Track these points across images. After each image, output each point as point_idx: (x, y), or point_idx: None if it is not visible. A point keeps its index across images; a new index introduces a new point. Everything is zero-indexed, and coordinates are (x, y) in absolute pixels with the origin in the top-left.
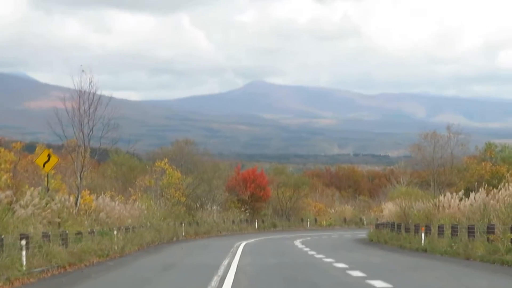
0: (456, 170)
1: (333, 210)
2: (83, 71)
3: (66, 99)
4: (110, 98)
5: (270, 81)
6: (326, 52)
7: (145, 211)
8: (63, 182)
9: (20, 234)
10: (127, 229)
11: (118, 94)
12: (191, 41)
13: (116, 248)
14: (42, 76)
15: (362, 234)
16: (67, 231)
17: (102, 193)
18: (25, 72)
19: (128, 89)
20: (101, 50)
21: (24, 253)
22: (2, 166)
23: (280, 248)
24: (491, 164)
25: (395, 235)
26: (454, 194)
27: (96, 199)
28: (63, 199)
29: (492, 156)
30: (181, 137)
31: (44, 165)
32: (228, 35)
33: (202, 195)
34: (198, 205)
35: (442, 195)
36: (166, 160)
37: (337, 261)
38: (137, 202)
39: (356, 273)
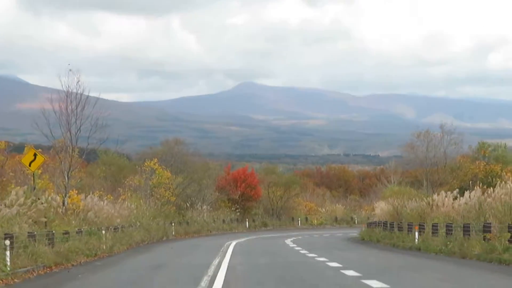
0: (450, 169)
1: (324, 209)
2: (70, 70)
3: (55, 100)
4: (98, 98)
5: (261, 82)
6: (317, 54)
7: (135, 211)
8: (50, 181)
9: (5, 234)
10: (116, 228)
11: (109, 96)
12: (182, 43)
13: (104, 247)
14: (32, 78)
15: (354, 233)
16: (53, 231)
17: (91, 192)
18: (15, 74)
19: (118, 91)
20: (91, 52)
21: (8, 253)
22: None
23: (271, 247)
24: (485, 163)
25: (387, 234)
26: (449, 192)
27: (85, 198)
28: (49, 198)
29: (486, 155)
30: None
31: (30, 164)
32: (219, 37)
33: (192, 195)
34: (188, 205)
35: (436, 193)
36: (155, 160)
37: (330, 261)
38: (126, 202)
39: (351, 273)
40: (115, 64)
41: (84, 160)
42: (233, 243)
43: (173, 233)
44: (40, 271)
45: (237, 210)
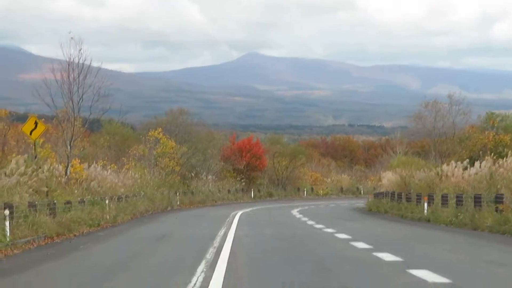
0: (458, 139)
1: (329, 180)
2: (72, 38)
3: (58, 71)
4: (100, 68)
5: (265, 53)
6: (321, 24)
7: (139, 180)
8: (53, 151)
9: (4, 204)
10: (119, 198)
11: (113, 66)
12: (185, 14)
13: (107, 217)
14: (36, 49)
15: (360, 203)
16: (55, 201)
17: (94, 162)
18: (19, 44)
19: (122, 61)
20: (95, 23)
21: (8, 223)
22: None
23: (277, 217)
24: (494, 133)
25: (395, 205)
26: (459, 163)
27: (88, 168)
28: (51, 168)
29: (495, 125)
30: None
31: (31, 133)
32: (222, 7)
33: (197, 165)
34: (193, 175)
35: (445, 164)
36: (160, 129)
37: (338, 232)
38: (130, 171)
39: (361, 245)
40: (119, 34)
41: (87, 130)
42: (239, 213)
43: (178, 203)
44: (41, 242)
45: (242, 180)
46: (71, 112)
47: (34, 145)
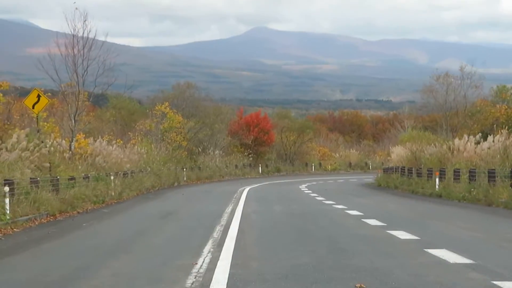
0: (470, 113)
1: (337, 155)
2: (76, 9)
3: (64, 45)
4: (104, 41)
5: (272, 27)
6: None
7: (145, 156)
8: (56, 125)
9: (4, 180)
10: (125, 174)
11: (120, 41)
12: None
13: (113, 194)
14: (43, 23)
15: (369, 178)
16: (58, 177)
17: (100, 137)
18: (27, 18)
19: (130, 36)
20: None
21: (7, 200)
22: None
23: (285, 193)
24: (506, 107)
25: (405, 180)
26: (471, 137)
27: (93, 143)
28: (55, 142)
29: (508, 98)
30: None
31: (33, 106)
32: None
33: (204, 140)
34: (200, 150)
35: (457, 138)
36: (167, 103)
37: (349, 208)
38: (136, 146)
39: (374, 222)
40: (127, 9)
41: (92, 104)
42: (246, 189)
43: (185, 178)
44: (42, 220)
45: (249, 155)
46: (76, 85)
47: (37, 119)
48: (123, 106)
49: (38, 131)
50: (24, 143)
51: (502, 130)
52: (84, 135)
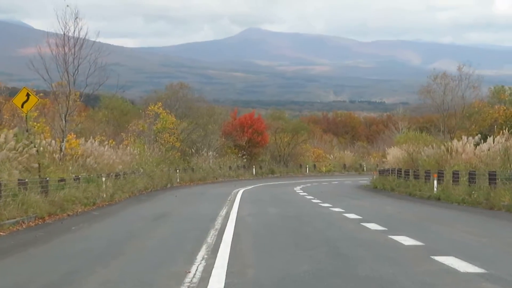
0: (468, 114)
1: (332, 156)
2: (67, 6)
3: (56, 44)
4: (96, 38)
5: (266, 28)
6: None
7: (137, 157)
8: (47, 125)
9: None
10: (117, 175)
11: (114, 41)
12: None
13: (104, 196)
14: (37, 23)
15: (364, 180)
16: (47, 178)
17: (91, 137)
18: (20, 19)
19: (124, 36)
20: None
21: None
22: None
23: (281, 195)
24: (505, 108)
25: (402, 182)
26: (470, 138)
27: (84, 143)
28: (44, 143)
29: (506, 99)
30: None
31: (22, 106)
32: None
33: (197, 140)
34: (193, 151)
35: (455, 139)
36: (160, 104)
37: (347, 211)
38: (129, 147)
39: (373, 226)
40: (121, 9)
41: (83, 103)
42: (241, 191)
43: (178, 180)
44: (30, 223)
45: (243, 157)
46: (67, 84)
47: (26, 118)
48: (115, 106)
49: (27, 131)
50: (12, 143)
51: (503, 131)
52: (75, 136)
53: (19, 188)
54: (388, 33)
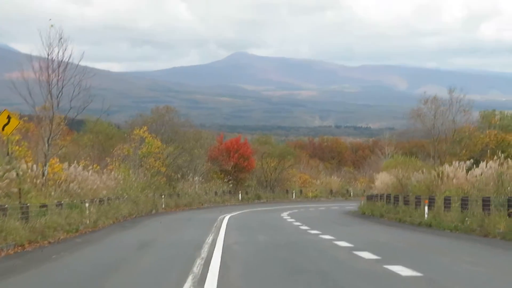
0: (458, 138)
1: (318, 182)
2: (52, 26)
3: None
4: (82, 57)
5: (252, 52)
6: (308, 24)
7: (122, 182)
8: (29, 149)
9: None
10: (101, 201)
11: (100, 65)
12: (173, 12)
13: (87, 222)
14: (24, 47)
15: (351, 206)
16: (28, 204)
17: (75, 162)
18: (6, 42)
19: (110, 61)
20: (81, 21)
21: None
22: None
23: (268, 222)
24: (495, 132)
25: (392, 208)
26: (462, 163)
27: (68, 168)
28: (26, 167)
29: (497, 123)
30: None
31: (3, 128)
32: (210, 7)
33: (183, 165)
34: (179, 176)
35: (446, 164)
36: (145, 128)
37: (337, 239)
38: (113, 172)
39: (367, 255)
40: (106, 33)
41: (67, 127)
42: (227, 217)
43: (163, 205)
44: (9, 251)
45: (229, 182)
46: (50, 106)
47: (7, 142)
48: (100, 130)
49: (7, 154)
50: None
51: (497, 155)
52: (58, 160)
53: None
54: (374, 58)
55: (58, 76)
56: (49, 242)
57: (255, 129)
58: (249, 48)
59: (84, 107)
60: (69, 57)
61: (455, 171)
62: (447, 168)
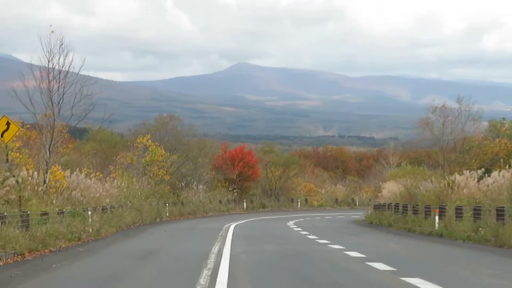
0: (468, 147)
1: (323, 191)
2: (52, 32)
3: (40, 71)
4: (83, 63)
5: (255, 63)
6: (311, 35)
7: (125, 190)
8: (30, 157)
9: None
10: (104, 209)
11: (103, 75)
12: (175, 23)
13: (90, 230)
14: (26, 57)
15: (357, 215)
16: (28, 212)
17: (77, 169)
18: (10, 52)
19: (112, 70)
20: (85, 31)
21: None
22: None
23: (274, 231)
24: (506, 141)
25: (400, 218)
26: (473, 172)
27: (70, 176)
28: (26, 174)
29: (507, 132)
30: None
31: (2, 135)
32: (212, 17)
33: (187, 174)
34: (183, 184)
35: (456, 173)
36: (148, 136)
37: (348, 249)
38: (116, 180)
39: (381, 266)
40: (108, 43)
41: (70, 135)
42: (232, 225)
43: (167, 214)
44: (8, 260)
45: (234, 191)
46: (51, 114)
47: (6, 149)
48: (103, 139)
49: (7, 161)
50: None
51: (510, 165)
52: (60, 168)
53: None
54: (376, 68)
55: (59, 82)
56: (50, 251)
57: (258, 138)
58: (251, 59)
59: (85, 114)
60: (70, 63)
61: (466, 180)
62: (458, 177)
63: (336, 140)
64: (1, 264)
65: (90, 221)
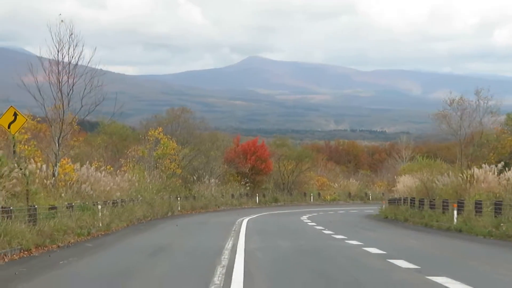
0: (486, 140)
1: (336, 185)
2: (62, 21)
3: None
4: (94, 51)
5: (266, 56)
6: (321, 28)
7: (136, 184)
8: (38, 149)
9: None
10: (114, 203)
11: (115, 69)
12: (187, 16)
13: (100, 225)
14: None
15: (371, 210)
16: (35, 205)
17: (87, 162)
18: (22, 46)
19: (124, 64)
20: (96, 25)
21: None
22: None
23: (288, 225)
24: None
25: (417, 212)
26: (493, 166)
27: (79, 169)
28: (33, 167)
29: None
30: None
31: (9, 126)
32: (224, 11)
33: (199, 167)
34: (195, 178)
35: (474, 167)
36: (160, 129)
37: (366, 245)
38: (127, 174)
39: (403, 264)
40: (120, 37)
41: (80, 128)
42: (245, 220)
43: (179, 208)
44: (14, 255)
45: (246, 184)
46: (61, 106)
47: (13, 140)
48: (114, 132)
49: (14, 153)
50: None
51: None
52: (70, 161)
53: (2, 216)
54: (387, 62)
55: (69, 73)
56: (58, 246)
57: (270, 132)
58: (262, 53)
59: (96, 105)
60: (80, 54)
61: (484, 174)
62: (477, 171)
63: (347, 134)
64: (6, 260)
65: (100, 215)
